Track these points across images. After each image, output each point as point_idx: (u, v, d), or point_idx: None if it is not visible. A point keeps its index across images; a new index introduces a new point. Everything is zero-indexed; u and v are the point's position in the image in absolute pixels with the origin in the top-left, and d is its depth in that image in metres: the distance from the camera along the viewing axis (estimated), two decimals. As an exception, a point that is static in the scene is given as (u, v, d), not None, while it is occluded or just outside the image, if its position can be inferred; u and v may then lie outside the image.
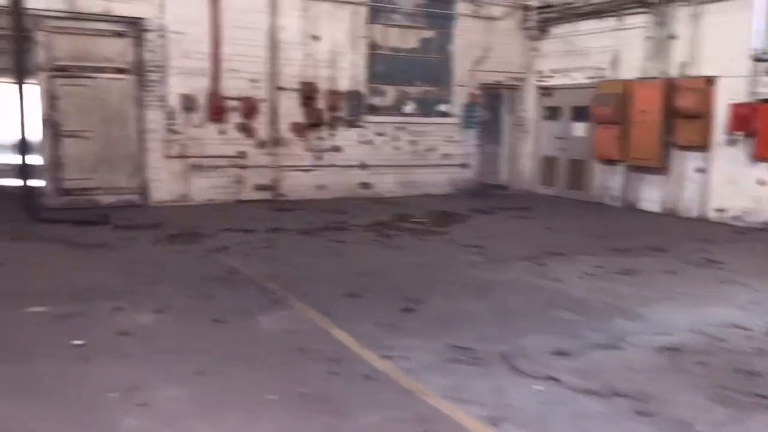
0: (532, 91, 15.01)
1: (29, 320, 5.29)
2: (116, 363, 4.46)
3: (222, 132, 12.18)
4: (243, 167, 12.44)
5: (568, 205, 13.21)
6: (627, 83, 12.37)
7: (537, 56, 14.83)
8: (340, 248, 8.54)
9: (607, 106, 12.57)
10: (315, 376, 4.38)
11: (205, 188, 12.14)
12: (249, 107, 12.35)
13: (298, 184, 12.92)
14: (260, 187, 12.62)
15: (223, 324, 5.37)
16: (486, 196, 14.08)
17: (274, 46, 12.43)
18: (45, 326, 5.18)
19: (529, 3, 14.58)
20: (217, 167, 12.19)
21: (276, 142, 12.66)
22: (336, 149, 13.23)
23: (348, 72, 13.19)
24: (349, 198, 13.21)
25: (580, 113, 13.93)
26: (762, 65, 10.22)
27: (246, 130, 12.41)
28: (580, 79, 13.74)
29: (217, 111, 12.02)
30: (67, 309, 5.56)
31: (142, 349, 4.75)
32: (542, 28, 14.58)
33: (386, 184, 13.79)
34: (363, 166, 13.52)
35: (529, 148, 15.19)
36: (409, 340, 5.09)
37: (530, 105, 15.08)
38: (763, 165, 10.40)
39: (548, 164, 14.79)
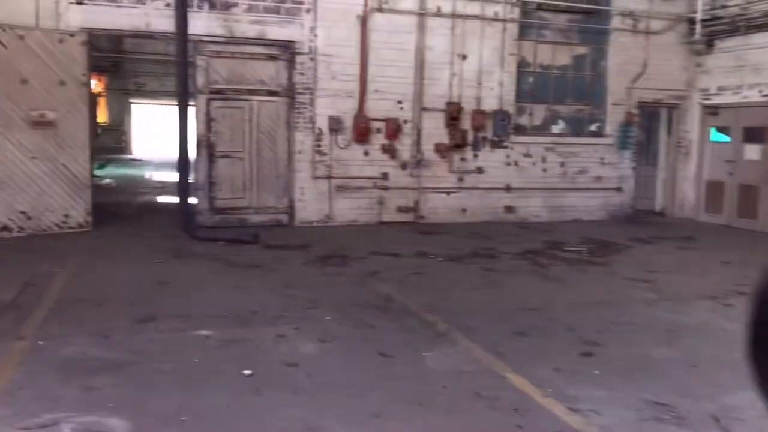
0: (696, 109, 13.83)
1: (197, 344, 5.22)
2: (287, 398, 4.24)
3: (366, 153, 12.09)
4: (386, 188, 12.27)
5: (738, 235, 11.95)
6: (814, 101, 11.04)
7: (701, 72, 13.65)
8: (495, 278, 8.05)
9: (789, 126, 11.27)
10: (499, 428, 3.92)
11: (348, 209, 12.08)
12: (393, 128, 12.19)
13: (440, 207, 12.57)
14: (402, 209, 12.39)
15: (390, 359, 5.04)
16: (642, 223, 13.07)
17: (420, 66, 12.23)
18: (213, 351, 5.09)
19: (694, 15, 13.46)
20: (360, 188, 12.10)
21: (419, 163, 12.40)
22: (480, 171, 12.78)
23: (495, 91, 12.72)
24: (492, 222, 12.69)
25: (754, 134, 12.64)
26: None
27: (390, 151, 12.25)
28: (753, 96, 12.47)
29: (362, 132, 11.95)
30: (232, 333, 5.47)
31: (311, 383, 4.51)
32: (708, 42, 13.41)
33: (532, 208, 13.14)
34: (508, 188, 12.96)
35: (691, 171, 13.98)
36: (596, 391, 4.52)
37: (693, 125, 13.90)
38: None
39: (714, 189, 13.52)
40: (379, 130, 12.11)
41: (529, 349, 5.38)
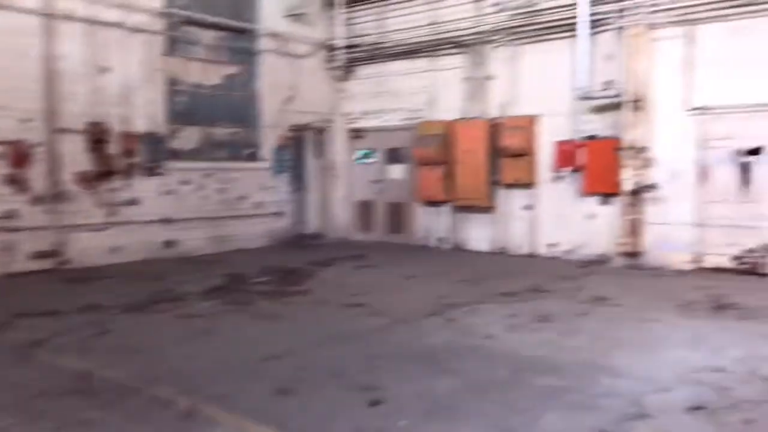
0: (342, 133, 14.29)
1: None
2: None
3: (-19, 186, 9.36)
4: (13, 230, 9.66)
5: (396, 250, 12.58)
6: (449, 124, 12.25)
7: (345, 97, 14.19)
8: (202, 325, 6.72)
9: (430, 147, 12.31)
10: None
11: (-42, 261, 9.16)
12: (20, 153, 9.71)
13: (89, 248, 10.43)
14: (39, 255, 9.91)
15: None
16: (307, 247, 12.91)
17: (50, 77, 9.99)
18: None
19: (334, 42, 13.92)
20: (-25, 232, 9.30)
21: (57, 196, 10.10)
22: (134, 202, 11.02)
23: (144, 110, 11.15)
24: (153, 260, 11.04)
25: (396, 155, 13.57)
26: (583, 103, 10.70)
27: (17, 182, 9.71)
28: (394, 120, 13.39)
29: (-26, 159, 9.20)
30: None
31: None
32: (348, 69, 14.00)
33: (195, 240, 11.87)
34: (167, 220, 11.45)
35: (341, 192, 14.37)
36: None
37: (340, 148, 14.33)
38: (591, 199, 10.83)
39: (364, 209, 14.11)
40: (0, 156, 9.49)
41: (308, 411, 4.35)
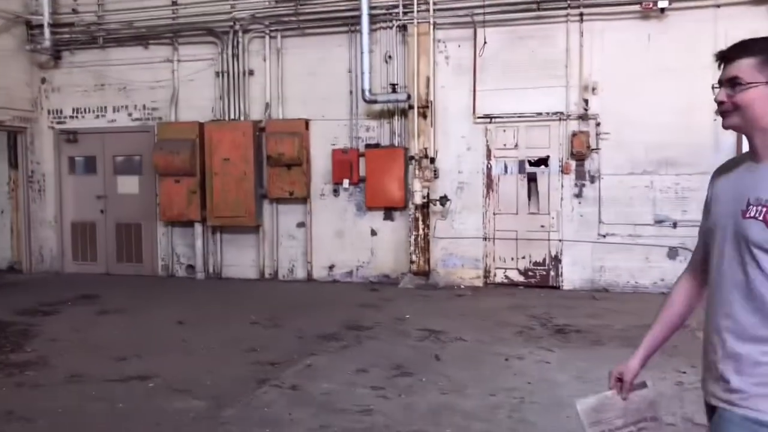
0: (49, 135, 11.11)
1: None
2: None
3: None
4: None
5: (135, 285, 9.96)
6: (201, 126, 10.13)
7: (52, 90, 11.05)
8: None
9: (176, 154, 10.04)
10: None
11: None
12: None
13: None
14: None
15: None
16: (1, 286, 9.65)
17: None
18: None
19: (35, 17, 10.71)
20: None
21: None
22: None
23: None
24: None
25: (128, 164, 10.95)
26: (364, 107, 9.59)
27: None
28: (123, 121, 10.76)
29: None
30: None
31: None
32: (57, 54, 10.93)
33: None
34: None
35: (49, 212, 11.15)
36: None
37: (47, 154, 11.12)
38: (374, 214, 9.76)
39: (83, 232, 11.12)
40: None
41: None
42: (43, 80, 11.04)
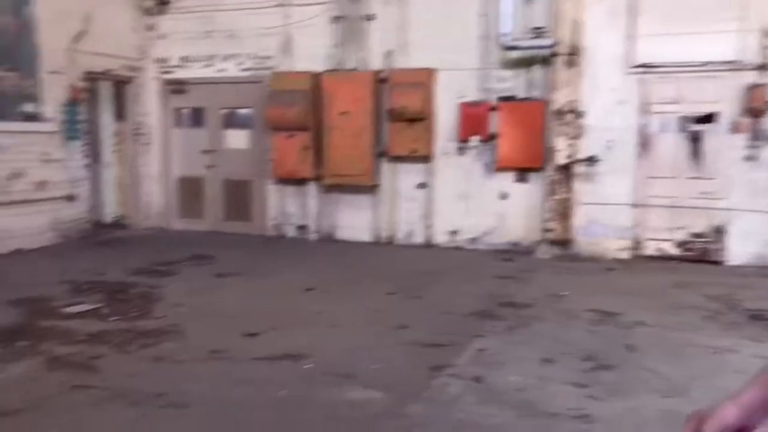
0: (154, 86, 10.60)
1: None
2: None
3: None
4: None
5: (245, 244, 9.43)
6: (317, 77, 9.37)
7: (157, 37, 10.49)
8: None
9: (290, 107, 9.32)
10: None
11: None
12: None
13: None
14: None
15: None
16: (110, 243, 9.30)
17: None
18: None
19: (141, -41, 10.14)
20: None
21: None
22: None
23: None
24: None
25: (237, 117, 10.36)
26: (498, 55, 8.58)
27: None
28: (232, 70, 10.11)
29: None
30: None
31: None
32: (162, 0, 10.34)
33: (-60, 241, 7.65)
34: None
35: (154, 167, 10.71)
36: None
37: (153, 106, 10.63)
38: (504, 176, 8.82)
39: (190, 189, 10.64)
40: None
41: None
42: (150, 27, 10.49)
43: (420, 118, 8.93)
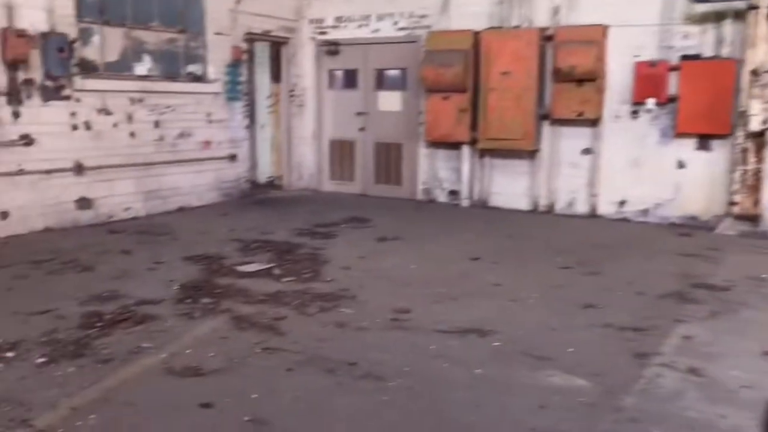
0: (309, 46, 10.62)
1: None
2: None
3: None
4: None
5: (398, 208, 9.35)
6: (477, 35, 8.95)
7: (313, -3, 10.47)
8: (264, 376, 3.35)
9: (448, 67, 8.98)
10: None
11: None
12: None
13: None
14: None
15: None
16: (268, 203, 9.50)
17: None
18: None
19: None
20: None
21: None
22: (27, 141, 7.05)
23: (41, 1, 7.06)
24: (62, 230, 7.27)
25: (390, 79, 10.17)
26: (682, 9, 7.76)
27: None
28: (387, 30, 9.89)
29: None
30: None
31: None
32: (317, -43, 10.26)
33: (120, 197, 8.08)
34: (79, 168, 7.58)
35: (308, 128, 10.80)
36: None
37: (307, 67, 10.67)
38: (684, 142, 8.05)
39: (341, 151, 10.65)
40: None
41: None
42: (306, -13, 10.48)
43: (590, 79, 8.31)
